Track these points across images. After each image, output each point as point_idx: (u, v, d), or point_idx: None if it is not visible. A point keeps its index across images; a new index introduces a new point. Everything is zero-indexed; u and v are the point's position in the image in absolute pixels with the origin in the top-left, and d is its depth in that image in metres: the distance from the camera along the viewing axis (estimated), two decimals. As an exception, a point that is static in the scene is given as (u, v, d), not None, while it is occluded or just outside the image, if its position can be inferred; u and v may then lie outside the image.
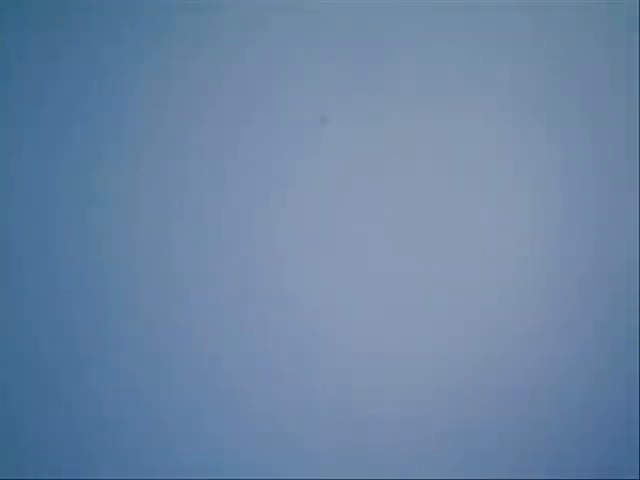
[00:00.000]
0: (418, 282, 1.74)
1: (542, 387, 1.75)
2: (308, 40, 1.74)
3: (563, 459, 1.74)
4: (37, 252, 1.71)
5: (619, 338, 1.75)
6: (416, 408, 1.73)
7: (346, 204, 1.73)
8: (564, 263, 1.76)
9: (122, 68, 1.73)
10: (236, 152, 1.74)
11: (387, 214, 1.74)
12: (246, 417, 1.72)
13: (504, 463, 1.74)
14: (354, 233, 1.73)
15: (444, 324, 1.74)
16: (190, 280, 1.72)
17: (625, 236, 1.77)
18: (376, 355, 1.73)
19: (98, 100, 1.73)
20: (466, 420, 1.74)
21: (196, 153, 1.73)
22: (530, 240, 1.76)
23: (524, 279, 1.75)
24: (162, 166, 1.73)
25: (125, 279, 1.71)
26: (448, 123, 1.76)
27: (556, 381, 1.75)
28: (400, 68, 1.75)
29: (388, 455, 1.73)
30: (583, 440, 1.73)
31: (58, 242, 1.71)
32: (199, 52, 1.73)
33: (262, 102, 1.74)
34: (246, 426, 1.72)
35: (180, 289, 1.72)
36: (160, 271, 1.71)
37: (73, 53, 1.72)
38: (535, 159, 1.77)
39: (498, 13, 1.77)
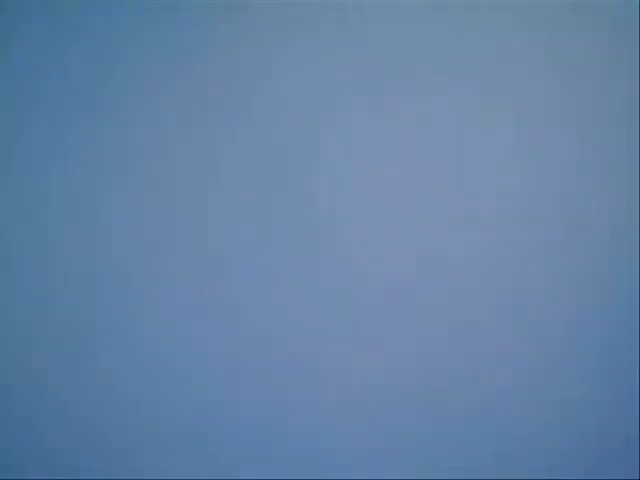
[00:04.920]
0: (417, 277, 1.74)
1: (542, 387, 1.74)
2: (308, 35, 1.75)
3: (563, 459, 1.73)
4: (35, 251, 1.72)
5: (619, 338, 1.75)
6: (415, 408, 1.73)
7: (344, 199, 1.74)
8: (564, 264, 1.76)
9: (123, 69, 1.73)
10: (239, 150, 1.74)
11: (387, 210, 1.74)
12: (246, 418, 1.72)
13: (504, 463, 1.74)
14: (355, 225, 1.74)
15: (442, 323, 1.74)
16: (189, 277, 1.72)
17: (626, 236, 1.77)
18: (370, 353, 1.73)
19: (100, 101, 1.73)
20: (466, 420, 1.74)
21: (198, 150, 1.73)
22: (530, 241, 1.76)
23: (524, 279, 1.75)
24: (164, 163, 1.73)
25: (123, 280, 1.72)
26: (445, 122, 1.76)
27: (556, 381, 1.75)
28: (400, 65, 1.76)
29: (385, 455, 1.73)
30: (583, 440, 1.73)
31: (57, 240, 1.72)
32: (197, 52, 1.74)
33: (262, 102, 1.74)
34: (247, 428, 1.72)
35: (180, 288, 1.72)
36: (159, 270, 1.72)
37: (76, 53, 1.72)
38: (534, 159, 1.77)
39: (498, 13, 1.77)
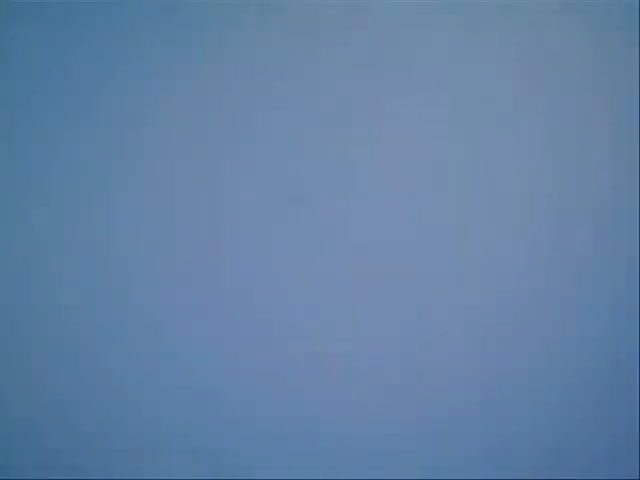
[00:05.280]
0: (419, 279, 1.74)
1: (542, 388, 1.74)
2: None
3: (563, 459, 1.73)
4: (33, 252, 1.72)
5: (619, 338, 1.75)
6: (414, 410, 1.73)
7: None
8: (564, 263, 1.76)
9: (125, 69, 1.73)
10: (242, 151, 1.74)
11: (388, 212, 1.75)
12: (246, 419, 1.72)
13: (504, 463, 1.74)
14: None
15: (442, 323, 1.74)
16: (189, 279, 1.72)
17: (625, 235, 1.77)
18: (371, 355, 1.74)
19: (100, 102, 1.73)
20: (466, 420, 1.74)
21: (199, 150, 1.74)
22: (530, 242, 1.76)
23: (524, 279, 1.75)
24: (164, 164, 1.73)
25: (123, 281, 1.72)
26: (446, 123, 1.76)
27: (556, 382, 1.75)
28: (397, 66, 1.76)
29: (385, 456, 1.73)
30: (583, 440, 1.73)
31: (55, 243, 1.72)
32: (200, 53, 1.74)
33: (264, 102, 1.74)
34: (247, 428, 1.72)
35: (180, 290, 1.72)
36: (157, 272, 1.72)
37: (77, 53, 1.72)
38: (534, 160, 1.77)
39: (498, 13, 1.77)
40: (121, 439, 1.70)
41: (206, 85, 1.73)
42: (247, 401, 1.72)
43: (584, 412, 1.75)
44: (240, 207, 1.73)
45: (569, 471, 1.74)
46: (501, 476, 1.73)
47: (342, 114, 1.75)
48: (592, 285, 1.76)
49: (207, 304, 1.72)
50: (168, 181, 1.73)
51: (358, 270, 1.74)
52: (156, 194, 1.73)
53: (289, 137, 1.74)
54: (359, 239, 1.74)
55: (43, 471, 1.70)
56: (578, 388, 1.75)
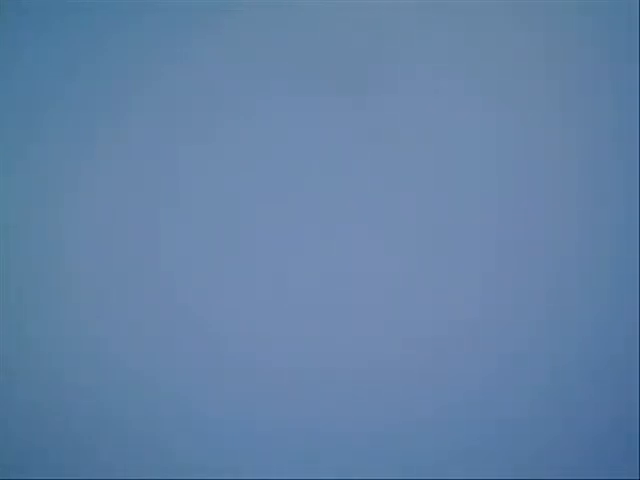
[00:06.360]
0: (410, 284, 1.74)
1: (542, 387, 1.74)
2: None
3: (563, 459, 1.73)
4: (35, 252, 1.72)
5: (619, 338, 1.75)
6: (412, 410, 1.73)
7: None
8: (563, 262, 1.76)
9: (124, 70, 1.74)
10: (240, 147, 1.74)
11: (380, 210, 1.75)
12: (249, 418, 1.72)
13: (504, 463, 1.73)
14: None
15: (441, 321, 1.74)
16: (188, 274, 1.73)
17: (625, 235, 1.77)
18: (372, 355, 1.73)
19: (99, 102, 1.74)
20: (466, 420, 1.73)
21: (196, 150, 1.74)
22: (529, 241, 1.76)
23: (524, 280, 1.75)
24: (162, 162, 1.74)
25: (121, 279, 1.72)
26: (445, 124, 1.76)
27: (556, 381, 1.74)
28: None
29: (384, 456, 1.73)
30: (583, 439, 1.73)
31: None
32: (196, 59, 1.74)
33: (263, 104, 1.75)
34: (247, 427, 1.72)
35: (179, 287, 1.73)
36: (155, 269, 1.72)
37: (76, 52, 1.73)
38: (534, 160, 1.77)
39: (497, 13, 1.77)
40: (122, 440, 1.71)
41: (168, 99, 1.74)
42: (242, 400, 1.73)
43: (584, 412, 1.74)
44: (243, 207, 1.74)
45: (569, 471, 1.73)
46: (500, 476, 1.73)
47: (332, 113, 1.75)
48: (592, 284, 1.76)
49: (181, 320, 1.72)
50: (165, 178, 1.73)
51: (353, 270, 1.74)
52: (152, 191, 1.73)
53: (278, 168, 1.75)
54: (353, 242, 1.74)
55: (43, 471, 1.70)
56: (578, 388, 1.75)
